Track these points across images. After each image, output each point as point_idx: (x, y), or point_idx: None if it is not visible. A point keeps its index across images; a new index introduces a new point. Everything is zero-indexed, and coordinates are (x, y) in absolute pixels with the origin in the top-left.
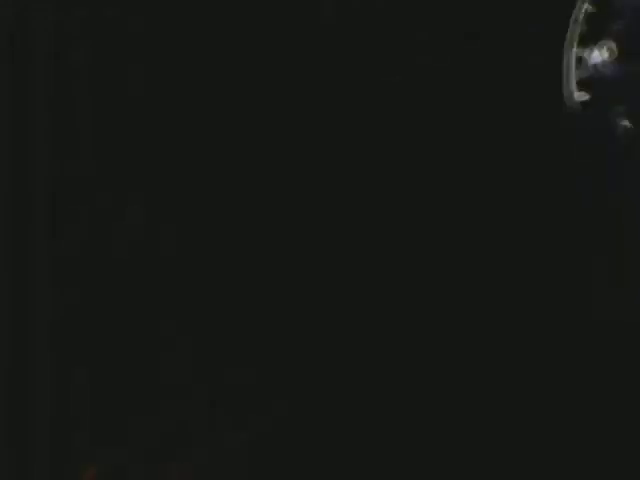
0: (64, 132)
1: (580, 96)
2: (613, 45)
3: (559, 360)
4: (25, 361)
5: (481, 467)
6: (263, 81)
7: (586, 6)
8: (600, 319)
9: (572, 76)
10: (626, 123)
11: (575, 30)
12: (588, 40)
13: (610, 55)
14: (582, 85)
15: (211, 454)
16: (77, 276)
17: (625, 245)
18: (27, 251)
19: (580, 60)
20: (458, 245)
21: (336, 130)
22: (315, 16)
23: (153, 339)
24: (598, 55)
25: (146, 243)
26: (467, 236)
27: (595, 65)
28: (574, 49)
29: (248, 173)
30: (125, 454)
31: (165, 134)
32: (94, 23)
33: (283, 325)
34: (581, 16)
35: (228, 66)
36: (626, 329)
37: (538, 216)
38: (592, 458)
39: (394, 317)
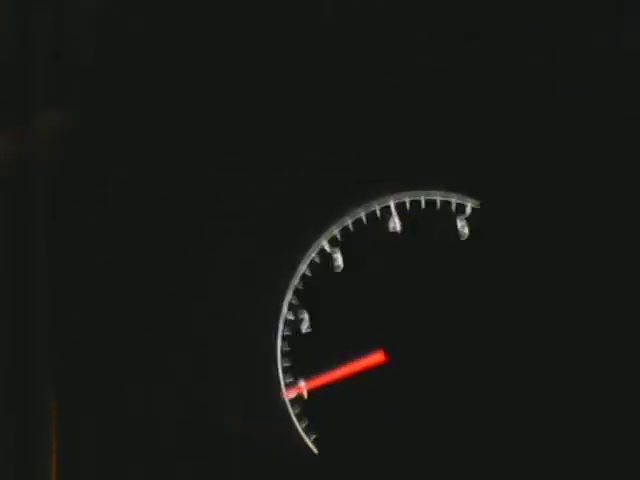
0: (64, 132)
1: None
2: None
3: None
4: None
5: None
6: (262, 81)
7: None
8: None
9: None
10: None
11: None
12: None
13: None
14: None
15: None
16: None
17: None
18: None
19: None
20: None
21: (336, 131)
22: (315, 16)
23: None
24: None
25: None
26: None
27: None
28: None
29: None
30: None
31: (165, 132)
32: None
33: None
34: None
35: (228, 66)
36: None
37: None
38: None
39: None
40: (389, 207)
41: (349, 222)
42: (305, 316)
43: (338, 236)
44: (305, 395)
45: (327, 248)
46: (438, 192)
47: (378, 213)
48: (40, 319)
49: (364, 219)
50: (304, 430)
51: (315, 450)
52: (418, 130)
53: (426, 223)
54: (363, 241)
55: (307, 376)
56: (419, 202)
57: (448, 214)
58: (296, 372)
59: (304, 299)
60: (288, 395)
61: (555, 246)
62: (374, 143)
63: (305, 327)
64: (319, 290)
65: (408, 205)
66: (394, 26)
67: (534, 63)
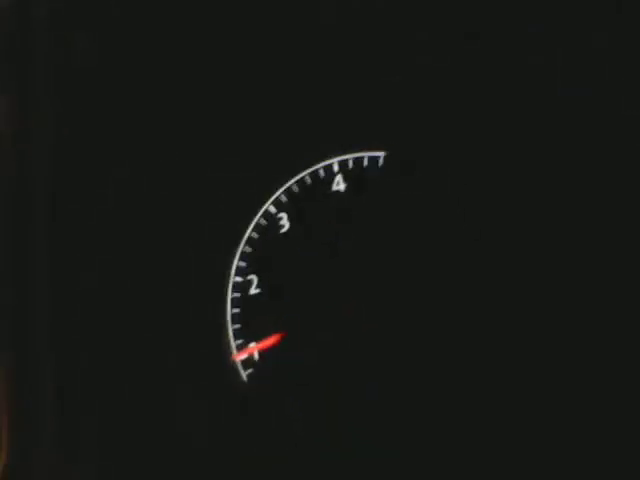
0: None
1: None
2: None
3: None
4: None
5: None
6: (263, 81)
7: None
8: None
9: None
10: None
11: None
12: None
13: None
14: None
15: None
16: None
17: None
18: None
19: None
20: None
21: (277, 93)
22: (315, 16)
23: None
24: None
25: None
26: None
27: None
28: None
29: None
30: None
31: (163, 131)
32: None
33: None
34: None
35: (228, 65)
36: None
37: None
38: None
39: None
40: (332, 167)
41: (293, 183)
42: (253, 278)
43: (283, 198)
44: (256, 356)
45: (272, 210)
46: (381, 151)
47: (322, 174)
48: (40, 319)
49: (308, 179)
50: (255, 391)
51: (266, 410)
52: (356, 89)
53: (369, 181)
54: (307, 202)
55: (257, 338)
56: (361, 161)
57: (391, 172)
58: (246, 334)
59: (252, 262)
60: (239, 357)
61: (513, 216)
62: (313, 103)
63: (253, 289)
64: (266, 252)
65: (351, 164)
66: (394, 26)
67: (533, 63)
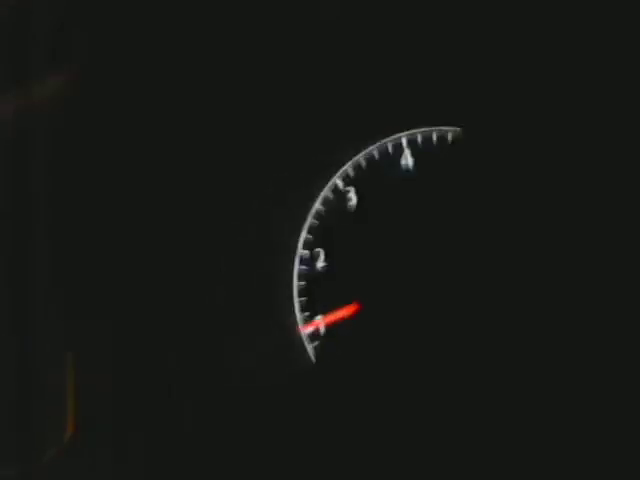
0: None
1: None
2: None
3: None
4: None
5: None
6: (263, 81)
7: None
8: None
9: None
10: None
11: None
12: None
13: None
14: None
15: None
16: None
17: None
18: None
19: None
20: None
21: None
22: (315, 15)
23: None
24: None
25: None
26: None
27: None
28: None
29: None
30: None
31: (162, 132)
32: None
33: None
34: None
35: (228, 65)
36: None
37: None
38: None
39: None
40: (401, 144)
41: (361, 159)
42: (320, 253)
43: (351, 173)
44: (322, 330)
45: (340, 185)
46: (450, 127)
47: (390, 149)
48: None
49: (376, 156)
50: (321, 365)
51: (330, 384)
52: (427, 66)
53: (437, 158)
54: (375, 177)
55: (323, 311)
56: (430, 136)
57: (460, 149)
58: (313, 308)
59: (319, 236)
60: (305, 330)
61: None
62: (384, 79)
63: (320, 264)
64: (333, 227)
65: (420, 140)
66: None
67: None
